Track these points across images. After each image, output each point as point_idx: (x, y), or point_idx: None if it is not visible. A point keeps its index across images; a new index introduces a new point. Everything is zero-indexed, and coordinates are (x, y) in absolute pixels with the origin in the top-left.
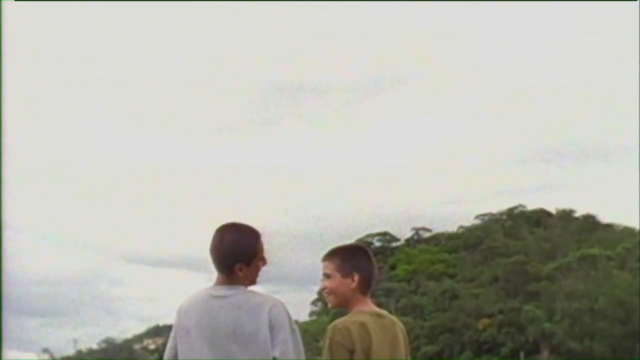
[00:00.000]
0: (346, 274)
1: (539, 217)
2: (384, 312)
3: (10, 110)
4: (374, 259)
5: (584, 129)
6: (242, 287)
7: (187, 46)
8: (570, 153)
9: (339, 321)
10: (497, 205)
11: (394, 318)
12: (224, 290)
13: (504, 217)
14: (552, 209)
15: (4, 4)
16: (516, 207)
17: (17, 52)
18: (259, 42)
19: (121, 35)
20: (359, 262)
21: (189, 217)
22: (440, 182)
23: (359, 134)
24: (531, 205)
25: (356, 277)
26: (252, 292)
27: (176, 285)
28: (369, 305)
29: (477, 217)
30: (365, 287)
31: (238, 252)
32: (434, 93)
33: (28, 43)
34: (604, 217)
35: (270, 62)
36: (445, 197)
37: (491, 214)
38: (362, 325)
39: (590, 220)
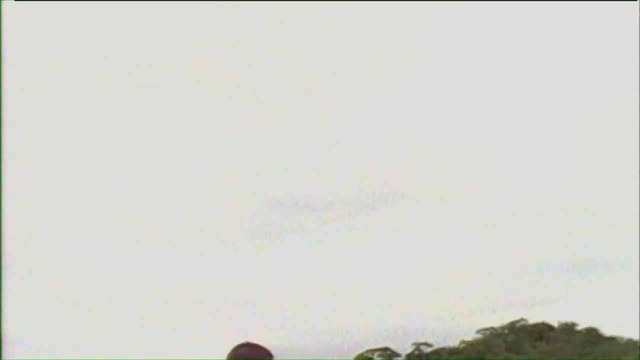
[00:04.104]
0: None
1: (541, 331)
2: None
3: (7, 223)
4: None
5: (584, 241)
6: None
7: (184, 160)
8: (571, 266)
9: None
10: (499, 319)
11: None
12: None
13: (506, 331)
14: (554, 323)
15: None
16: (518, 321)
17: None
18: (256, 156)
19: (117, 151)
20: None
21: (184, 331)
22: (440, 296)
23: (358, 248)
24: (533, 318)
25: None
26: None
27: None
28: None
29: (478, 331)
30: None
31: None
32: (432, 207)
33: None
34: (607, 330)
35: (268, 177)
36: (446, 311)
37: (493, 328)
38: None
39: (592, 333)
